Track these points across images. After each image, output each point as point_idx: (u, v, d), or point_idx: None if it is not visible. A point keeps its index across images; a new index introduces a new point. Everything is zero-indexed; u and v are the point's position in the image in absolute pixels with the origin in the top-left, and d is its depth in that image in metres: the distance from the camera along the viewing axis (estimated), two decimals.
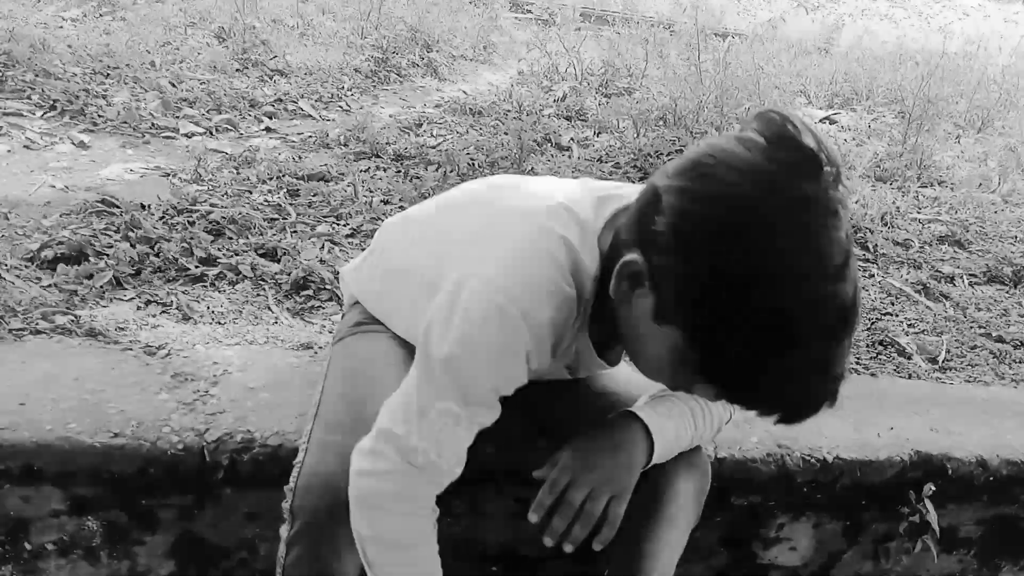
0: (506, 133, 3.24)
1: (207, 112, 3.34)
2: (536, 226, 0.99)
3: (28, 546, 1.26)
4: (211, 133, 3.14)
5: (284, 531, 1.10)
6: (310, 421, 1.17)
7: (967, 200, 3.34)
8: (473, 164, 2.90)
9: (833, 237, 0.83)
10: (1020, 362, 2.15)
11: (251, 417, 1.32)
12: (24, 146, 2.67)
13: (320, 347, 1.59)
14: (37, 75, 3.26)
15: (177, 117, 3.23)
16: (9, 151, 2.59)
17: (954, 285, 2.60)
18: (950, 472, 1.65)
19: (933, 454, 1.64)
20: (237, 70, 3.94)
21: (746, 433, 1.57)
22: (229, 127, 3.24)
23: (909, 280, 2.54)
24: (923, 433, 1.70)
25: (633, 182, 2.96)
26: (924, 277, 2.55)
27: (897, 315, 2.28)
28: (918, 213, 3.16)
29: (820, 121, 4.49)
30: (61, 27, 4.24)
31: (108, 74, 3.53)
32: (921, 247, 2.83)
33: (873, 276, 2.54)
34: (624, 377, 1.33)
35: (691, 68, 3.95)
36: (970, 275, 2.69)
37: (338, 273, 1.85)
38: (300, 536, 1.07)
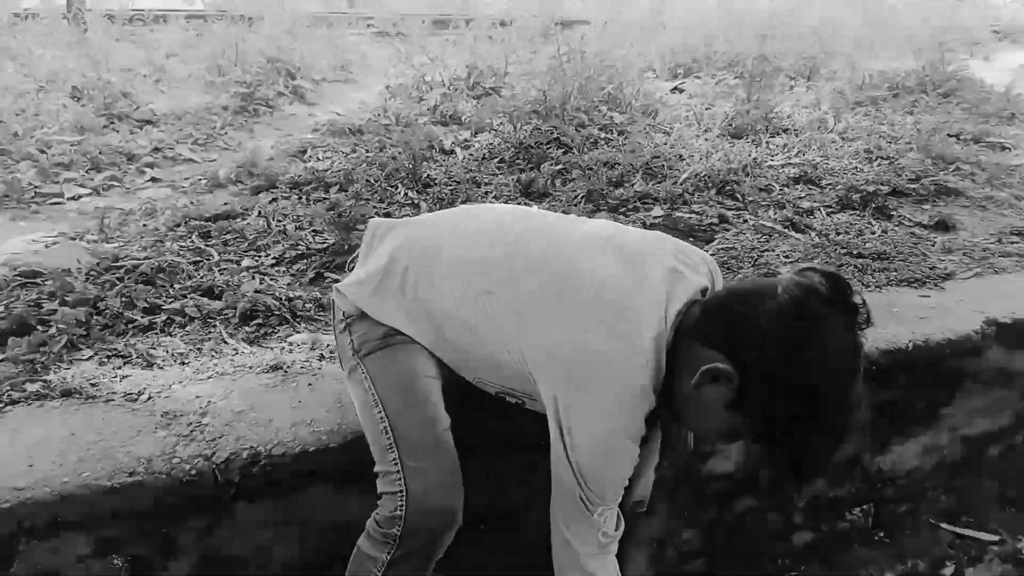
0: (393, 146, 3.39)
1: (87, 172, 3.32)
2: (634, 370, 1.24)
3: None
4: (98, 192, 3.15)
5: (379, 552, 1.31)
6: (390, 448, 1.33)
7: (811, 142, 3.75)
8: (370, 181, 3.04)
9: (860, 376, 1.22)
10: (880, 271, 2.50)
11: (250, 435, 1.45)
12: None
13: (287, 368, 1.72)
14: None
15: (57, 182, 3.20)
16: None
17: (814, 217, 2.95)
18: None
19: None
20: (104, 126, 3.90)
21: None
22: (114, 183, 3.24)
23: (777, 219, 2.87)
24: None
25: (523, 171, 3.18)
26: (789, 214, 2.89)
27: (773, 249, 2.60)
28: (772, 160, 3.53)
29: (671, 91, 4.86)
30: None
31: None
32: (781, 189, 3.20)
33: (747, 221, 2.87)
34: None
35: (550, 60, 4.20)
36: (826, 207, 3.06)
37: (281, 298, 1.99)
38: (407, 557, 1.30)
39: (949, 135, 4.03)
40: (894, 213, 3.03)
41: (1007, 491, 2.50)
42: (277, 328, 1.93)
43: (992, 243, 2.82)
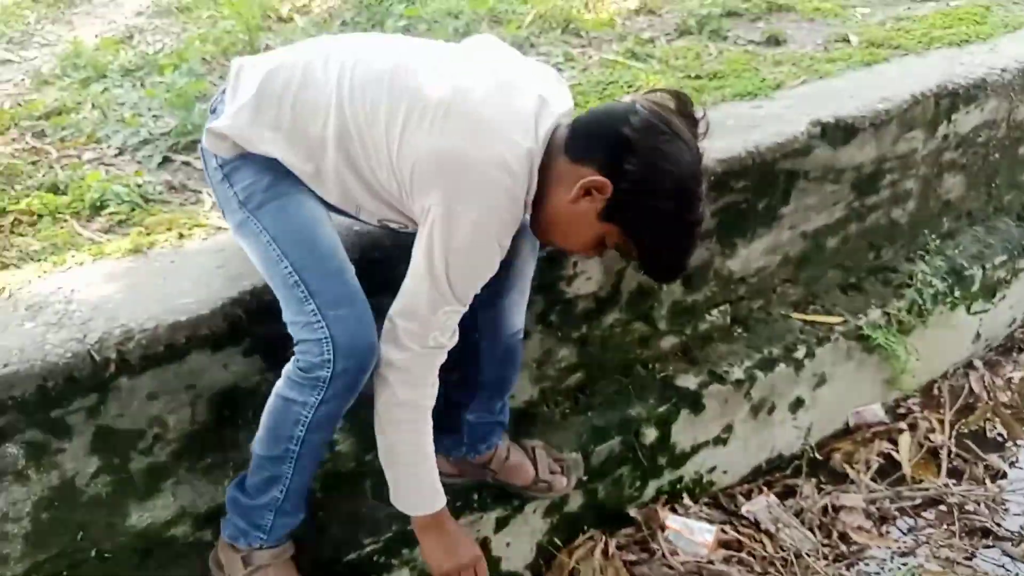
0: (225, 19, 3.24)
1: None
2: (509, 178, 1.32)
3: None
4: None
5: (308, 395, 1.38)
6: (306, 299, 1.38)
7: None
8: (205, 59, 2.92)
9: (704, 188, 1.41)
10: (716, 90, 2.64)
11: (119, 315, 1.46)
12: None
13: (147, 250, 1.71)
14: None
15: None
16: None
17: (655, 45, 3.05)
18: None
19: None
20: None
21: None
22: None
23: (620, 51, 2.95)
24: None
25: (366, 30, 3.12)
26: (630, 45, 2.97)
27: (617, 81, 2.69)
28: None
29: None
30: None
31: None
32: (623, 22, 3.26)
33: (591, 57, 2.93)
34: None
35: None
36: (666, 34, 3.16)
37: (130, 185, 1.95)
38: (338, 394, 1.38)
39: None
40: (728, 34, 3.16)
41: (848, 278, 2.79)
42: (131, 215, 1.90)
43: (819, 51, 3.00)
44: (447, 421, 1.82)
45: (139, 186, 1.99)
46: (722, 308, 2.47)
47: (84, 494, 1.50)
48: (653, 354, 2.34)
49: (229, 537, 1.56)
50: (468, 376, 1.76)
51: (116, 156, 2.24)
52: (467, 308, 1.40)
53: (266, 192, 1.42)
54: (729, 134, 2.29)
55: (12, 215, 1.87)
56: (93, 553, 1.55)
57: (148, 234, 1.79)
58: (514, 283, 1.67)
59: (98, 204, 1.91)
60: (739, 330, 2.52)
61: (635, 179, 1.33)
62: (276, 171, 1.42)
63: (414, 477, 1.51)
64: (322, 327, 1.36)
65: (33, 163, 2.17)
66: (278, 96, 1.39)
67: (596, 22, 3.19)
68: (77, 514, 1.51)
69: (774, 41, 3.09)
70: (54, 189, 2.00)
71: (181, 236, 1.76)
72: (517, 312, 1.72)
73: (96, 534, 1.54)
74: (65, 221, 1.86)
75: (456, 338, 1.42)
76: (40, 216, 1.88)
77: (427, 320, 1.36)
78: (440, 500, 1.53)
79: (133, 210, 1.90)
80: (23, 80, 3.01)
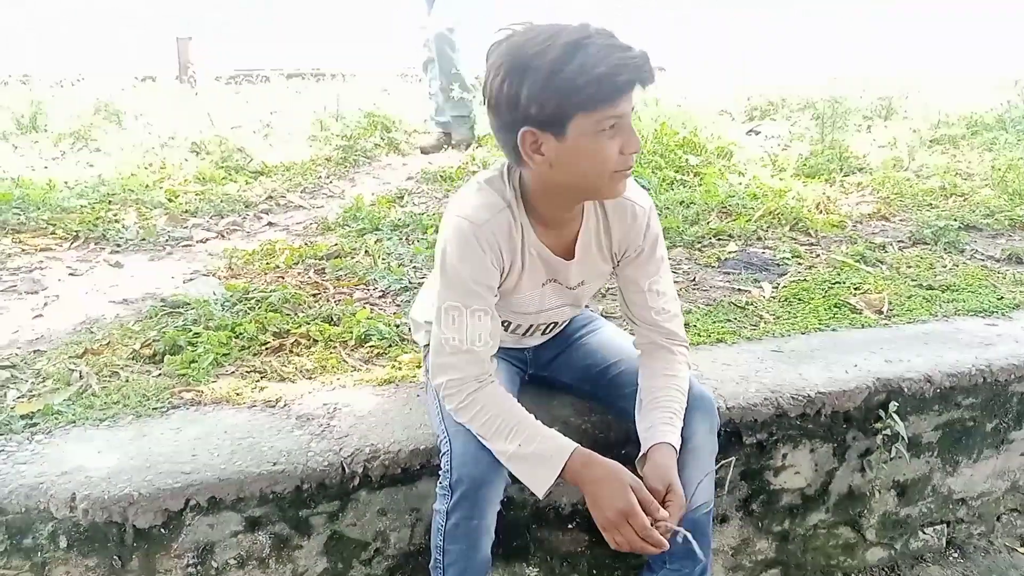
0: None
1: (211, 218, 3.71)
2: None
3: (215, 564, 1.59)
4: (222, 236, 3.51)
5: (442, 504, 1.51)
6: (440, 421, 1.60)
7: (885, 180, 3.86)
8: None
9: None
10: (948, 302, 2.61)
11: (370, 435, 1.69)
12: (69, 274, 3.00)
13: (397, 382, 1.97)
14: (53, 212, 3.59)
15: (186, 227, 3.58)
16: (59, 280, 2.92)
17: (886, 251, 3.07)
18: (906, 390, 2.08)
19: (890, 378, 2.07)
20: (223, 178, 4.31)
21: (745, 387, 1.99)
22: (236, 228, 3.61)
23: (849, 253, 3.00)
24: (880, 364, 2.13)
25: None
26: (860, 249, 3.02)
27: (844, 282, 2.73)
28: (846, 198, 3.65)
29: (747, 134, 5.03)
30: (47, 167, 4.57)
31: (111, 200, 3.87)
32: (854, 225, 3.32)
33: (819, 255, 3.01)
34: (609, 341, 1.86)
35: None
36: (898, 242, 3.18)
37: (390, 324, 2.25)
38: (459, 502, 1.49)
39: None
40: (966, 248, 3.12)
41: None
42: (387, 350, 2.18)
43: None
44: None
45: (397, 326, 2.29)
46: (938, 528, 2.34)
47: None
48: (857, 564, 2.24)
49: None
50: None
51: (380, 298, 2.59)
52: (472, 312, 1.49)
53: None
54: (960, 349, 2.25)
55: (294, 337, 2.22)
56: None
57: (400, 368, 2.05)
58: (688, 459, 1.67)
59: (362, 337, 2.22)
60: (955, 554, 2.35)
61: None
62: None
63: (514, 458, 1.47)
64: (446, 440, 1.55)
65: (314, 295, 2.56)
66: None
67: (826, 223, 3.28)
68: None
69: (1015, 259, 3.00)
70: (329, 320, 2.35)
71: (427, 372, 2.00)
72: (699, 489, 1.73)
73: None
74: (335, 348, 2.18)
75: (483, 344, 1.51)
76: (316, 341, 2.21)
77: (439, 322, 1.52)
78: (553, 464, 1.46)
79: (390, 346, 2.19)
80: (312, 224, 3.57)
